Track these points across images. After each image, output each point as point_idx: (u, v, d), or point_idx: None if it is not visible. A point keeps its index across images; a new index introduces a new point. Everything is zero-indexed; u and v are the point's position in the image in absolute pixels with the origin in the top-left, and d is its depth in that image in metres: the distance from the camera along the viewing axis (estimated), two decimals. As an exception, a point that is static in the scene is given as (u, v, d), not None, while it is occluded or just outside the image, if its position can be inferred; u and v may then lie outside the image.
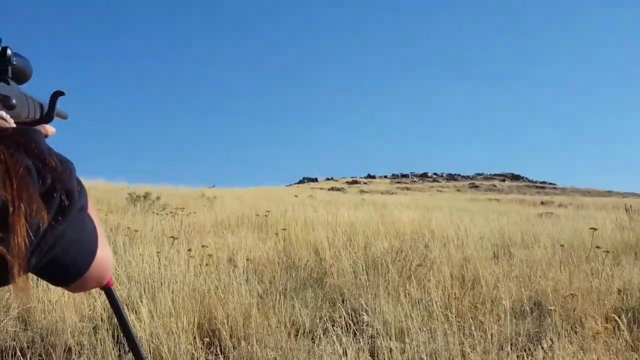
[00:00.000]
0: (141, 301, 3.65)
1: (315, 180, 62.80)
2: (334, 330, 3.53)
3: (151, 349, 3.22)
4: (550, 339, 3.34)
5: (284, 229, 7.05)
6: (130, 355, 3.03)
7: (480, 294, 4.46)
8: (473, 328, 3.50)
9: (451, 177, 68.50)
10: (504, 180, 63.07)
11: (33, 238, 0.60)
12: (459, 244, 6.64)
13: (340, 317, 3.85)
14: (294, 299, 4.20)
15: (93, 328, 3.52)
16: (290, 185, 53.70)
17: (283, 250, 6.07)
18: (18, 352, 3.16)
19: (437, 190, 52.02)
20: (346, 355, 3.11)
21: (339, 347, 3.17)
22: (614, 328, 3.47)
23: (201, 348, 3.31)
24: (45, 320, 3.70)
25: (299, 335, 3.57)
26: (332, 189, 46.70)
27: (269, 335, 3.51)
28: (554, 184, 58.87)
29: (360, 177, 64.04)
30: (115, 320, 1.70)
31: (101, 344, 3.22)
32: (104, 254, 0.77)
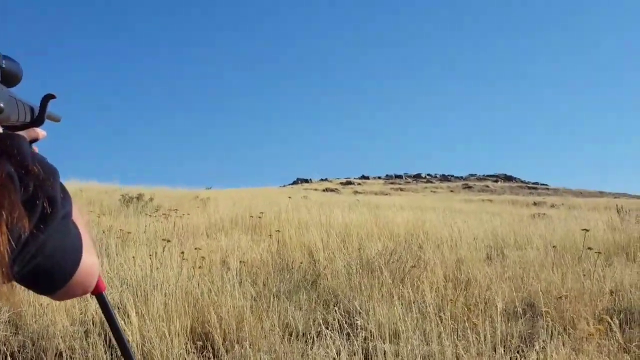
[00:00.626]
0: (134, 305, 3.63)
1: (309, 181, 62.76)
2: (327, 332, 3.52)
3: (143, 354, 3.20)
4: (543, 341, 3.34)
5: (278, 231, 7.04)
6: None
7: (473, 295, 4.47)
8: (467, 330, 3.51)
9: (445, 178, 68.65)
10: (496, 181, 63.26)
11: (15, 246, 0.59)
12: (452, 245, 6.65)
13: (334, 319, 3.84)
14: (288, 301, 4.20)
15: (84, 332, 3.50)
16: (284, 186, 53.63)
17: (277, 252, 6.06)
18: (9, 357, 3.14)
19: (431, 191, 52.12)
20: (340, 358, 3.10)
21: (332, 350, 3.17)
22: (606, 329, 3.48)
23: (194, 352, 3.30)
24: (36, 324, 3.68)
25: (293, 338, 3.56)
26: (326, 189, 46.71)
27: (263, 338, 3.50)
28: (546, 185, 59.10)
29: (354, 178, 64.06)
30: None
31: (93, 348, 3.20)
32: (90, 260, 0.76)
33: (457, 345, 3.28)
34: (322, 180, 62.67)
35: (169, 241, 5.82)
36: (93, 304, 3.73)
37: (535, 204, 26.80)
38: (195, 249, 5.44)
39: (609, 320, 3.55)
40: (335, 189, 49.95)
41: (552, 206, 22.79)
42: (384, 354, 3.24)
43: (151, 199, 13.59)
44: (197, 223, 8.73)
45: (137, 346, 3.21)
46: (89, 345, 3.25)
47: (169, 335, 3.28)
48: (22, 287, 0.71)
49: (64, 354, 3.25)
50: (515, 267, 5.48)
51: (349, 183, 58.47)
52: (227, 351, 3.38)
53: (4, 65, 1.10)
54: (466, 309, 4.06)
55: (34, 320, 3.73)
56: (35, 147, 1.29)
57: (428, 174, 70.75)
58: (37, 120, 1.24)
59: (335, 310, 4.12)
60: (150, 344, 3.21)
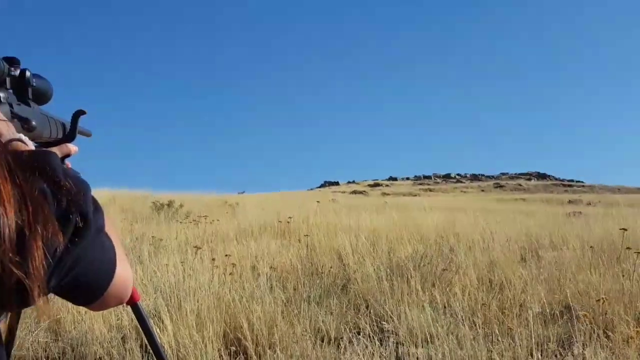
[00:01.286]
0: (167, 312, 3.68)
1: (337, 183, 62.80)
2: (358, 338, 3.51)
3: (179, 359, 3.24)
4: (582, 344, 3.27)
5: (307, 235, 7.04)
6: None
7: (507, 298, 4.40)
8: (500, 334, 3.45)
9: (475, 178, 67.96)
10: (529, 179, 62.36)
11: (51, 261, 0.61)
12: (484, 247, 6.56)
13: (365, 323, 3.82)
14: (318, 306, 4.19)
15: (121, 338, 3.56)
16: (311, 189, 53.73)
17: (306, 257, 6.06)
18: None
19: (461, 191, 51.64)
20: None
21: (363, 356, 3.15)
22: (646, 332, 3.39)
23: (227, 358, 3.32)
24: (75, 330, 3.76)
25: (325, 343, 3.55)
26: (354, 192, 46.67)
27: (295, 343, 3.51)
28: (582, 182, 58.02)
29: (382, 180, 63.91)
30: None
31: (130, 354, 3.26)
32: (124, 271, 0.78)
33: (491, 351, 3.23)
34: (349, 182, 62.69)
35: (199, 248, 5.87)
36: (129, 311, 3.79)
37: (570, 202, 26.34)
38: (226, 255, 5.48)
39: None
40: (363, 191, 49.86)
41: (589, 204, 22.35)
42: (417, 358, 3.21)
43: (181, 205, 13.76)
44: (226, 229, 8.79)
45: (172, 352, 3.25)
46: (126, 351, 3.31)
47: (203, 342, 3.31)
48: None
49: (101, 360, 3.31)
50: (551, 269, 5.36)
51: (377, 185, 58.33)
52: (259, 356, 3.40)
53: (34, 84, 1.13)
54: (500, 313, 3.99)
55: (72, 327, 3.82)
56: (69, 163, 1.31)
57: (458, 174, 70.13)
58: (69, 136, 1.27)
59: (366, 315, 4.10)
60: (185, 350, 3.25)
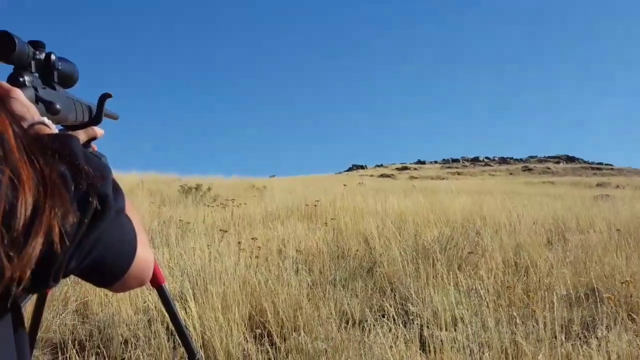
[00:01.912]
0: (193, 295, 3.74)
1: (365, 167, 62.60)
2: (383, 320, 3.52)
3: (204, 342, 3.30)
4: (606, 327, 3.24)
5: (333, 219, 7.06)
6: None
7: (533, 281, 4.37)
8: (526, 316, 3.44)
9: (503, 161, 67.04)
10: (558, 162, 61.25)
11: (69, 243, 0.62)
12: (511, 230, 6.50)
13: (390, 306, 3.84)
14: (344, 289, 4.22)
15: (148, 321, 3.63)
16: (339, 173, 53.71)
17: (332, 240, 6.09)
18: (77, 345, 3.30)
19: (489, 175, 51.01)
20: (396, 346, 3.10)
21: (388, 337, 3.17)
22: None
23: (252, 340, 3.37)
24: (102, 313, 3.85)
25: (349, 325, 3.58)
26: (382, 175, 46.49)
27: (320, 326, 3.54)
28: (611, 165, 56.78)
29: (410, 163, 63.50)
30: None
31: (156, 337, 3.32)
32: (144, 253, 0.78)
33: (515, 333, 3.22)
34: (377, 166, 62.43)
35: (226, 231, 5.94)
36: (155, 293, 3.87)
37: (598, 185, 25.82)
38: (252, 238, 5.53)
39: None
40: (391, 174, 49.62)
41: (617, 187, 21.89)
42: (441, 341, 3.22)
43: (209, 189, 13.86)
44: (253, 212, 8.85)
45: (197, 335, 3.30)
46: (152, 334, 3.37)
47: (228, 325, 3.36)
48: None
49: (128, 342, 3.39)
50: (577, 252, 5.30)
51: (404, 168, 57.96)
52: (284, 339, 3.44)
53: (60, 67, 1.15)
54: (525, 296, 3.97)
55: (100, 310, 3.91)
56: (95, 146, 1.33)
57: (486, 157, 69.27)
58: (95, 119, 1.29)
59: (391, 298, 4.12)
60: (210, 332, 3.30)
